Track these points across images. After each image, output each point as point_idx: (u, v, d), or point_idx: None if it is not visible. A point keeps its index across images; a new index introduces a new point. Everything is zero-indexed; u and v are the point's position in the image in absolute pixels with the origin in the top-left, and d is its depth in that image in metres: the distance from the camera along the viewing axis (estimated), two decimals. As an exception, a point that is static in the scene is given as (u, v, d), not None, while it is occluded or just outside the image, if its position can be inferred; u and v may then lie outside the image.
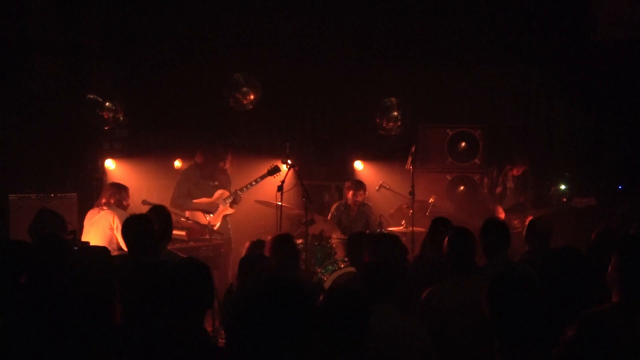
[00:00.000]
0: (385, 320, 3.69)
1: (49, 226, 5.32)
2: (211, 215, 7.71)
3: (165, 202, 7.39)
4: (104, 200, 6.70)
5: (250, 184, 7.79)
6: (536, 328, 3.09)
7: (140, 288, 3.72)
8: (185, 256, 5.01)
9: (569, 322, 3.06)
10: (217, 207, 7.74)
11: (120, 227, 6.43)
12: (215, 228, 7.62)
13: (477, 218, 8.17)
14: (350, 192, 8.13)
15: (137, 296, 3.67)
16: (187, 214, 7.67)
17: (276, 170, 7.74)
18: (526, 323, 3.07)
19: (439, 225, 5.38)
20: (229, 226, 7.92)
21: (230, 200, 7.78)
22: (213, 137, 8.96)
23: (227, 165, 8.04)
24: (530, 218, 6.60)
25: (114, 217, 6.53)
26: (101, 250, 5.28)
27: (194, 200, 7.73)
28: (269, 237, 5.56)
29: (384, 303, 3.80)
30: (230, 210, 7.82)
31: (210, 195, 7.77)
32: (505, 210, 8.18)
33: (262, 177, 7.76)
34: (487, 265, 4.71)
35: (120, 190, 6.82)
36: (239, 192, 7.80)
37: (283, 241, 5.11)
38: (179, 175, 7.99)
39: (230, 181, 8.01)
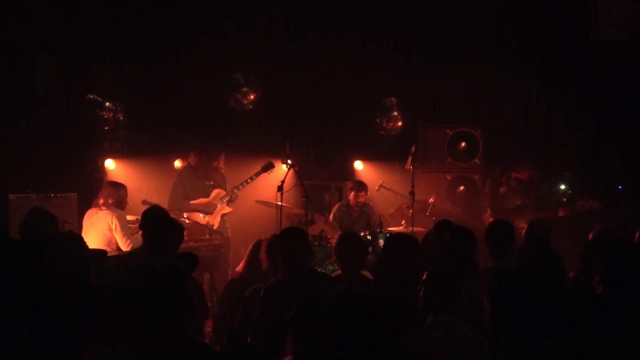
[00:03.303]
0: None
1: (39, 225, 5.30)
2: (209, 215, 7.70)
3: (165, 203, 7.40)
4: (102, 200, 6.67)
5: (246, 181, 7.76)
6: (536, 325, 3.10)
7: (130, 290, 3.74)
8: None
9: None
10: (215, 206, 7.72)
11: (119, 228, 6.46)
12: (214, 228, 7.61)
13: (477, 218, 8.20)
14: (352, 193, 8.11)
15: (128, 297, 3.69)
16: (185, 215, 7.66)
17: (270, 166, 7.73)
18: (527, 320, 3.08)
19: (442, 228, 5.35)
20: (227, 225, 7.91)
21: (227, 199, 7.77)
22: (213, 137, 8.96)
23: (221, 165, 8.02)
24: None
25: (112, 217, 6.51)
26: (98, 253, 5.31)
27: (192, 202, 7.70)
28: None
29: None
30: (227, 209, 7.81)
31: (207, 196, 7.74)
32: (508, 212, 8.15)
33: (257, 174, 7.72)
34: (493, 267, 4.71)
35: (118, 189, 6.79)
36: (235, 190, 7.79)
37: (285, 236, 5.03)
38: (173, 178, 7.96)
39: (225, 180, 8.00)
